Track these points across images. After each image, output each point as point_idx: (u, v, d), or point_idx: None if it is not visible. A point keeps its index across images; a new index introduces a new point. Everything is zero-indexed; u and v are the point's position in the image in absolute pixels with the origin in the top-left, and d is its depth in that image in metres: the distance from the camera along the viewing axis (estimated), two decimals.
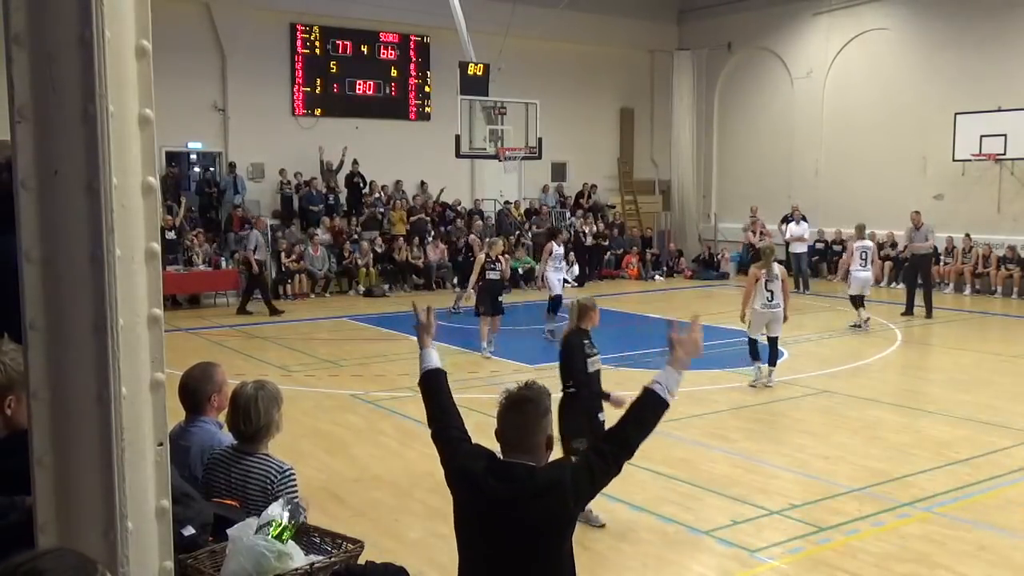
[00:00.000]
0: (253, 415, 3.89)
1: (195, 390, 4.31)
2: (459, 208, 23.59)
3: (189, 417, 4.37)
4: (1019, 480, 7.68)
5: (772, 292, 11.22)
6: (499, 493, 3.09)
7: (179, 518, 2.85)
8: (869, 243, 15.85)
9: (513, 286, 21.75)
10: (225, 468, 3.90)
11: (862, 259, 15.48)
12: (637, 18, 26.25)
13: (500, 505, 3.09)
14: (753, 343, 11.40)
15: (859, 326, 15.39)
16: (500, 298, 13.47)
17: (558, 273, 15.17)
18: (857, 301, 15.50)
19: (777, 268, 11.36)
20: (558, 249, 15.38)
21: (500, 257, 13.74)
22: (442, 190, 23.57)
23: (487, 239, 15.93)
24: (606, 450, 3.21)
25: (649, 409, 3.28)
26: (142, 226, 2.02)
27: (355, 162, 22.17)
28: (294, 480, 3.90)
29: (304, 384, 11.56)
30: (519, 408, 3.17)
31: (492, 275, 13.39)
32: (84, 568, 1.63)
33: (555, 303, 14.75)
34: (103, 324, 1.93)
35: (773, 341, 11.41)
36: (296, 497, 3.78)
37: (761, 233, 22.70)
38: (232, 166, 21.17)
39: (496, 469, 3.14)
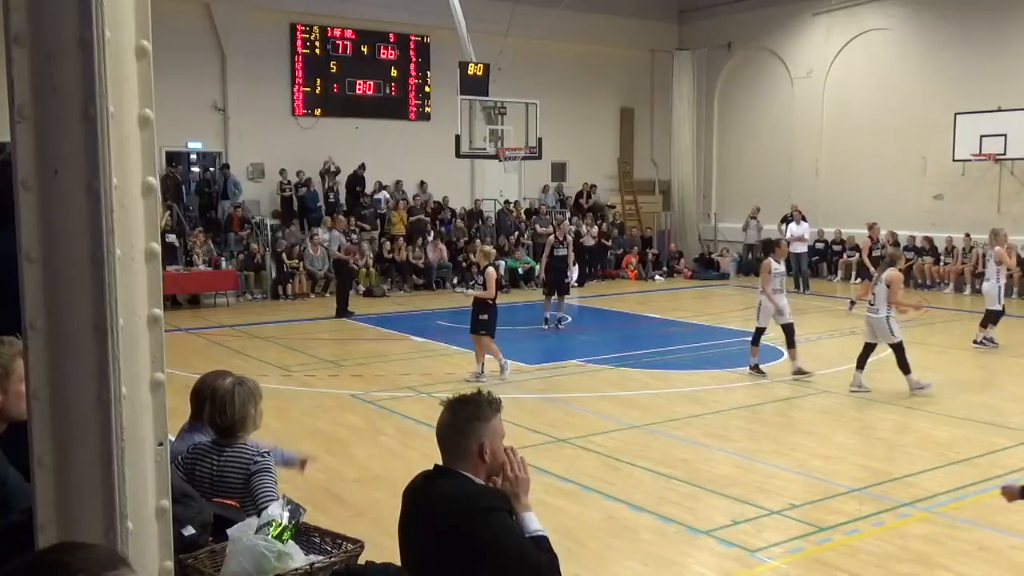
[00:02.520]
0: (228, 408, 3.96)
1: (195, 397, 4.34)
2: (450, 207, 23.55)
3: (190, 423, 4.40)
4: (1019, 480, 7.67)
5: (874, 295, 10.78)
6: (417, 485, 3.12)
7: (179, 518, 2.86)
8: (996, 249, 13.64)
9: (513, 286, 21.79)
10: (208, 460, 3.98)
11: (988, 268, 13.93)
12: (637, 18, 26.26)
13: (417, 498, 3.10)
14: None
15: (979, 343, 13.83)
16: (482, 316, 11.48)
17: (779, 296, 11.93)
18: (991, 316, 13.69)
19: (886, 273, 10.74)
20: (778, 267, 12.00)
21: (490, 267, 11.71)
22: (444, 199, 23.57)
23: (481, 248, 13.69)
24: (538, 552, 2.98)
25: (549, 552, 3.08)
26: (142, 226, 2.02)
27: (362, 166, 22.15)
28: (269, 459, 3.99)
29: (304, 384, 11.56)
30: (451, 409, 3.16)
31: (476, 290, 11.57)
32: (110, 564, 1.62)
33: (788, 332, 11.83)
34: (103, 324, 1.93)
35: (865, 347, 10.94)
36: (272, 474, 3.90)
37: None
38: (225, 167, 21.15)
39: (428, 471, 3.16)
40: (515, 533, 2.98)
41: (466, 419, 3.10)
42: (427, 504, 3.06)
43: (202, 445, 4.05)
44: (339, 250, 17.90)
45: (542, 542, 3.04)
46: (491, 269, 11.66)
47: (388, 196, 22.69)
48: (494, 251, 12.82)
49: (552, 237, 15.89)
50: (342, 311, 17.37)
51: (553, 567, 2.99)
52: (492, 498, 3.03)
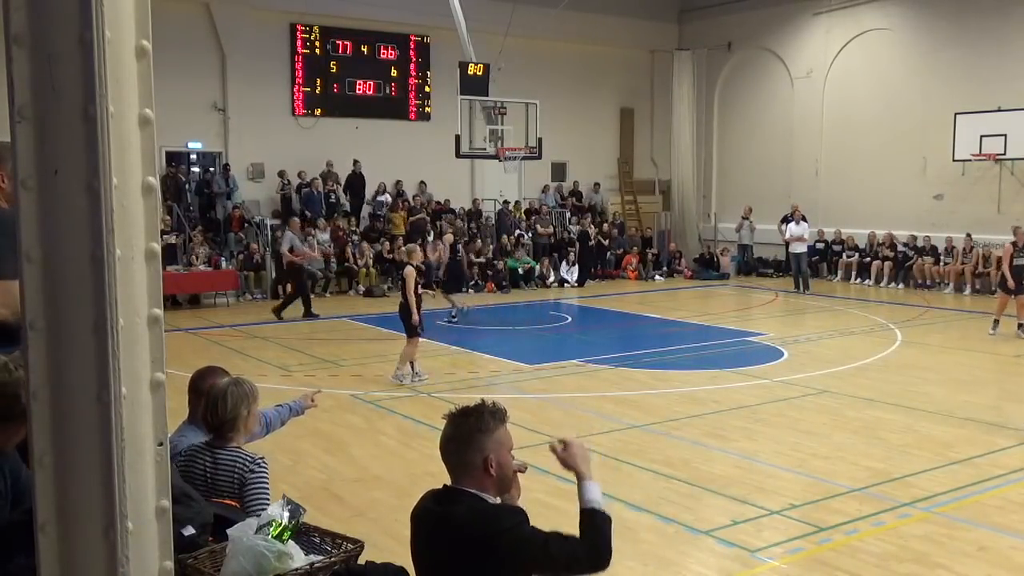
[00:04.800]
0: (220, 408, 3.95)
1: (190, 392, 4.35)
2: (449, 207, 23.56)
3: (188, 420, 4.41)
4: (1019, 480, 7.68)
5: None
6: (427, 508, 3.04)
7: (179, 518, 2.85)
8: None
9: (513, 286, 21.81)
10: (200, 462, 3.98)
11: None
12: (637, 18, 26.27)
13: (429, 523, 3.02)
14: None
15: None
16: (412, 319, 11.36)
17: None
18: None
19: None
20: None
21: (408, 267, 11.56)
22: (446, 201, 23.58)
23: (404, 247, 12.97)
24: (570, 542, 2.92)
25: (595, 529, 3.01)
26: (142, 226, 2.01)
27: (355, 162, 22.20)
28: (264, 466, 3.97)
29: (304, 384, 11.55)
30: (453, 422, 3.05)
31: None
32: None
33: None
34: (103, 324, 1.93)
35: None
36: (266, 485, 3.88)
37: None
38: (226, 167, 21.16)
39: (437, 492, 3.08)
40: (536, 545, 2.91)
41: (468, 432, 3.00)
42: (441, 529, 2.98)
43: (197, 446, 4.04)
44: (290, 251, 17.33)
45: (589, 516, 2.95)
46: (409, 268, 11.51)
47: (389, 199, 22.64)
48: (417, 249, 12.48)
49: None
50: (307, 313, 17.09)
51: (593, 549, 2.90)
52: (507, 516, 2.96)
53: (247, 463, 3.92)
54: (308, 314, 17.19)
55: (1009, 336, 14.54)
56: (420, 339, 11.60)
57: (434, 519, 3.02)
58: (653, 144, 27.91)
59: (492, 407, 3.06)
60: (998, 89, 20.14)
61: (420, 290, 11.55)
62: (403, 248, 12.56)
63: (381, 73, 23.22)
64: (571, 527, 2.99)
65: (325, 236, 20.91)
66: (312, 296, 19.99)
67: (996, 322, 14.87)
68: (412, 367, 11.67)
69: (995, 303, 15.36)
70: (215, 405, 3.97)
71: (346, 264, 20.99)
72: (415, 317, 11.36)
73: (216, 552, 3.11)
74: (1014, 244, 15.52)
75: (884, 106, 22.59)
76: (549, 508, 6.74)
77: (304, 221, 21.40)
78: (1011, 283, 14.57)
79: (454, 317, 16.61)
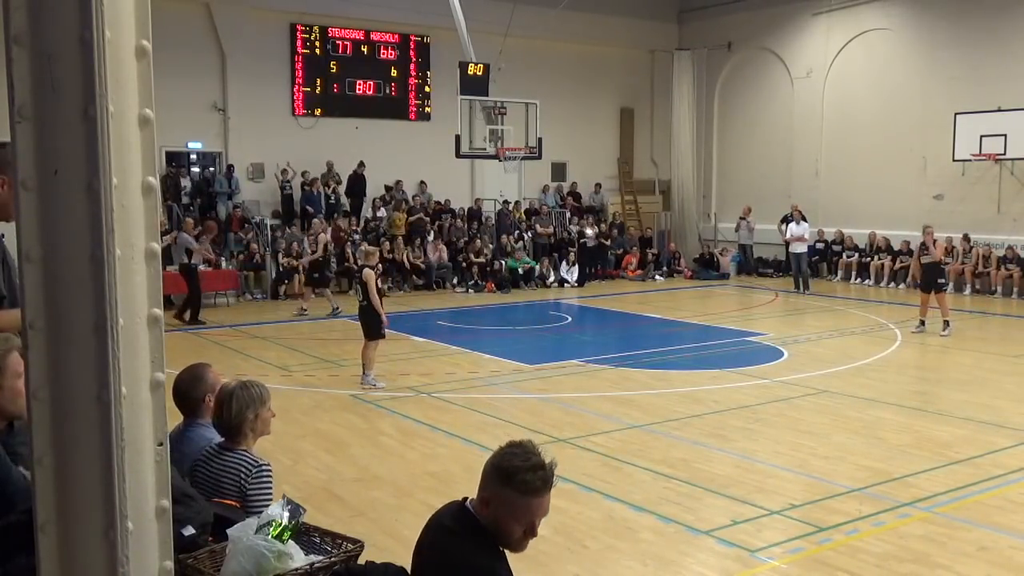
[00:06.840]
0: (225, 411, 3.98)
1: (186, 393, 4.34)
2: (450, 207, 23.57)
3: (186, 420, 4.38)
4: (1019, 480, 7.68)
5: None
6: (442, 523, 3.04)
7: (179, 518, 2.86)
8: None
9: (513, 286, 21.81)
10: (208, 463, 4.01)
11: None
12: (637, 18, 26.27)
13: (437, 535, 3.04)
14: None
15: None
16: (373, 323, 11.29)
17: None
18: None
19: None
20: None
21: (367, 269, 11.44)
22: (446, 201, 23.57)
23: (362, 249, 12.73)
24: None
25: None
26: (142, 226, 2.01)
27: (360, 164, 22.19)
28: (267, 474, 3.97)
29: (304, 384, 11.57)
30: (499, 449, 3.02)
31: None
32: None
33: None
34: (103, 324, 1.93)
35: None
36: (268, 492, 3.90)
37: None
38: (230, 168, 21.16)
39: (454, 511, 3.07)
40: None
41: (490, 468, 2.96)
42: (443, 548, 3.00)
43: (211, 447, 4.06)
44: (187, 255, 16.64)
45: None
46: (368, 271, 11.32)
47: (387, 213, 22.56)
48: (375, 251, 12.35)
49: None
50: (193, 319, 16.52)
51: None
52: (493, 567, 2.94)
53: (250, 468, 3.92)
54: (193, 319, 16.52)
55: (1008, 336, 14.53)
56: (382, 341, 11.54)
57: (441, 535, 3.03)
58: (653, 144, 27.91)
59: (532, 469, 2.90)
60: (998, 89, 20.13)
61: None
62: (361, 249, 12.48)
63: (381, 73, 23.22)
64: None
65: (324, 238, 20.88)
66: (311, 296, 19.97)
67: (922, 322, 15.22)
68: (365, 370, 11.51)
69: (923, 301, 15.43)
70: (220, 408, 3.99)
71: (346, 264, 20.96)
72: (384, 319, 11.37)
73: (216, 552, 3.12)
74: (922, 244, 15.73)
75: (884, 106, 22.58)
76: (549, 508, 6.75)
77: (305, 220, 21.45)
78: (918, 278, 15.27)
79: (337, 309, 17.24)
